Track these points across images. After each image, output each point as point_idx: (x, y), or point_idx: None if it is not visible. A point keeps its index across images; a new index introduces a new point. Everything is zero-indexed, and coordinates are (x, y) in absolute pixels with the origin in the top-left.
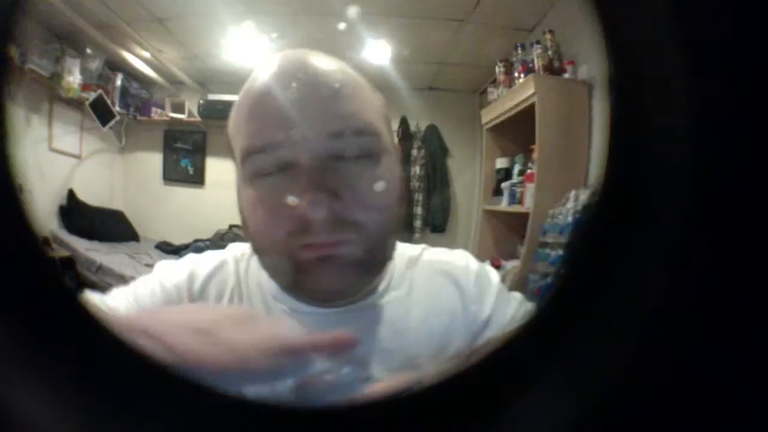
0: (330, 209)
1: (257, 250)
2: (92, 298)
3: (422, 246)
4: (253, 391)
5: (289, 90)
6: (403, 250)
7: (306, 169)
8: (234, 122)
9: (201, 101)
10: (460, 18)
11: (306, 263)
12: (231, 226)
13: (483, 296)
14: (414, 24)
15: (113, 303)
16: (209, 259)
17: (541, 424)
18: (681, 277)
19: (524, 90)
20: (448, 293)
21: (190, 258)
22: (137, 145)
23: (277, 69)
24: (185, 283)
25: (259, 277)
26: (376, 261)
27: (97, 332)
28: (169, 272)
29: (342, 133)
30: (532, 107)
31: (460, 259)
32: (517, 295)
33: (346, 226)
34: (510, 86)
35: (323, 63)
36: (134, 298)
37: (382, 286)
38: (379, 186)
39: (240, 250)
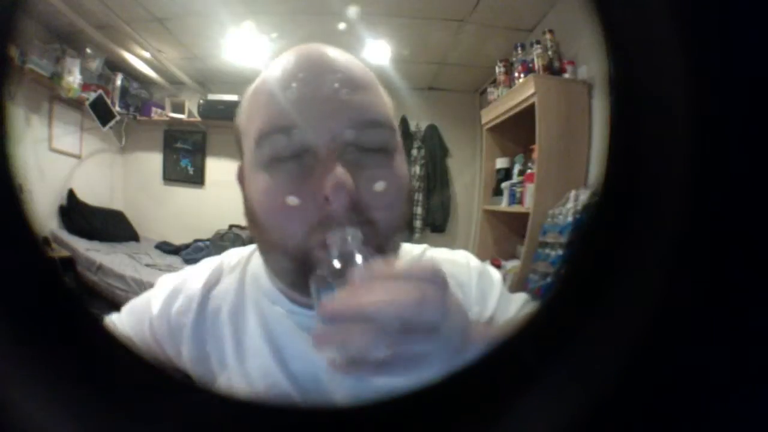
0: (349, 198)
1: (266, 245)
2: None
3: (424, 246)
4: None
5: (313, 77)
6: (407, 250)
7: (325, 155)
8: (248, 108)
9: (201, 101)
10: (460, 18)
11: (318, 260)
12: (231, 226)
13: (485, 296)
14: (414, 24)
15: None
16: (202, 271)
17: (543, 423)
18: (681, 277)
19: (524, 90)
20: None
21: (184, 275)
22: (137, 145)
23: (302, 58)
24: (180, 305)
25: (255, 282)
26: (382, 258)
27: (96, 332)
28: (162, 297)
29: (363, 122)
30: (532, 107)
31: (462, 259)
32: (522, 295)
33: (360, 223)
34: (510, 86)
35: (344, 56)
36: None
37: None
38: (392, 184)
39: (235, 258)
